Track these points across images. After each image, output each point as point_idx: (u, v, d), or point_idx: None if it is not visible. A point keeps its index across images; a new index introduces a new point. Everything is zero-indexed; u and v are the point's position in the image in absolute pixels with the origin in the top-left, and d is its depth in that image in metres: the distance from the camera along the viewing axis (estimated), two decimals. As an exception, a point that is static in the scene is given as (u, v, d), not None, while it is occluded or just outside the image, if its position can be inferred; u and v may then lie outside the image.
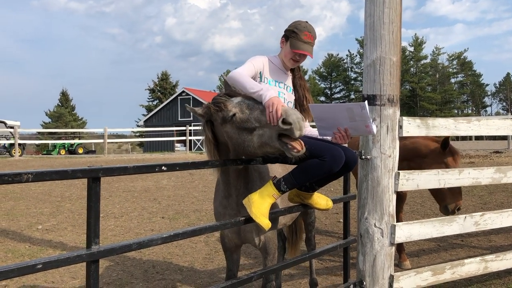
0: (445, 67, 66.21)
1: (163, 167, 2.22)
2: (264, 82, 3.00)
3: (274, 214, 2.85)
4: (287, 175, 2.70)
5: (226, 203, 2.95)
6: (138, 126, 49.73)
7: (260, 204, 2.63)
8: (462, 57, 65.70)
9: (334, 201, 3.27)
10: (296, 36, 2.94)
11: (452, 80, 66.89)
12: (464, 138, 34.93)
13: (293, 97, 3.12)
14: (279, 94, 3.00)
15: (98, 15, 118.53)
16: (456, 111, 65.21)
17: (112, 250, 1.99)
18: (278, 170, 3.15)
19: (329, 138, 2.92)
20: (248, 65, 2.92)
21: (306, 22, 3.02)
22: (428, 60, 65.16)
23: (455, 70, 66.30)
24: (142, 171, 2.23)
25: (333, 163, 2.62)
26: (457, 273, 3.69)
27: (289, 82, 3.12)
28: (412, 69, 64.94)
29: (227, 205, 2.96)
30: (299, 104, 3.12)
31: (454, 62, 66.09)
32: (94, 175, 1.92)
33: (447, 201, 4.48)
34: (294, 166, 2.74)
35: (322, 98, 68.68)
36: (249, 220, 2.64)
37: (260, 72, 3.00)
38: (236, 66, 3.29)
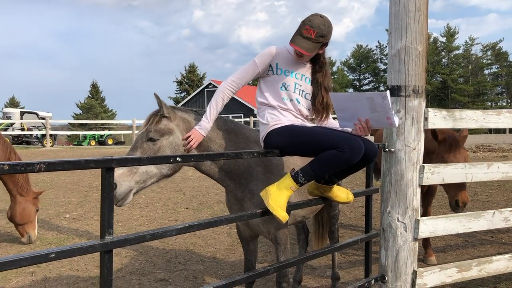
0: (479, 58, 64.23)
1: (177, 158, 2.20)
2: (277, 73, 2.90)
3: (293, 206, 2.80)
4: (305, 166, 2.64)
5: (228, 197, 3.15)
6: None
7: (277, 196, 2.59)
8: (497, 47, 63.53)
9: (356, 195, 3.19)
10: (298, 30, 2.80)
11: (486, 72, 64.88)
12: (497, 131, 33.89)
13: (311, 89, 2.97)
14: (295, 86, 2.90)
15: (127, 8, 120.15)
16: (489, 104, 63.28)
17: (126, 240, 1.98)
18: (297, 162, 3.09)
19: (349, 130, 2.84)
20: (247, 67, 2.92)
21: (320, 16, 2.81)
22: (460, 51, 63.38)
23: (489, 61, 64.21)
24: (156, 162, 2.22)
25: (351, 154, 2.54)
26: (484, 270, 3.56)
27: (308, 73, 2.98)
28: (443, 60, 63.35)
29: (229, 200, 3.12)
30: (313, 102, 2.96)
31: (489, 53, 63.97)
32: (107, 165, 1.91)
33: (458, 196, 4.34)
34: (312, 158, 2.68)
35: (351, 90, 67.82)
36: (266, 212, 2.60)
37: (270, 64, 2.89)
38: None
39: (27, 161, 1.68)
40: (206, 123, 2.78)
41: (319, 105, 2.93)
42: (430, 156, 4.47)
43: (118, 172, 2.50)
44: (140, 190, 2.66)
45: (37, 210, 5.98)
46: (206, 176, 2.99)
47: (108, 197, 1.92)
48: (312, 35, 2.74)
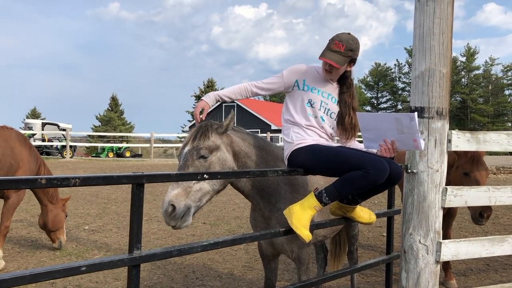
0: (499, 78, 63.56)
1: (205, 175, 2.24)
2: (304, 89, 2.96)
3: (316, 226, 2.81)
4: (329, 186, 2.66)
5: (254, 215, 3.12)
6: (183, 131, 50.66)
7: (301, 216, 2.61)
8: (518, 68, 62.74)
9: (378, 216, 3.19)
10: (327, 46, 2.89)
11: (507, 92, 64.11)
12: (518, 152, 33.33)
13: (337, 109, 3.02)
14: (320, 103, 2.95)
15: (147, 24, 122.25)
16: (510, 124, 62.36)
17: (154, 255, 2.02)
18: (320, 182, 3.11)
19: (374, 151, 2.85)
20: (274, 77, 3.04)
21: (348, 33, 2.92)
22: (480, 71, 62.86)
23: (510, 82, 63.45)
24: (185, 178, 2.26)
25: (376, 175, 2.55)
26: (507, 296, 3.51)
27: (334, 93, 3.04)
28: (463, 80, 62.88)
29: (255, 217, 3.12)
30: (340, 122, 3.01)
31: (510, 73, 63.23)
32: (138, 181, 1.96)
33: (482, 207, 4.23)
34: (336, 178, 2.70)
35: (368, 108, 67.59)
36: (289, 231, 2.62)
37: (297, 80, 2.97)
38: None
39: (63, 175, 1.73)
40: (215, 95, 2.98)
41: (348, 125, 2.97)
42: (448, 170, 4.40)
43: (173, 192, 2.44)
44: (197, 210, 2.58)
45: (66, 216, 6.18)
46: (237, 192, 3.00)
47: (138, 212, 1.97)
48: (342, 49, 2.82)
